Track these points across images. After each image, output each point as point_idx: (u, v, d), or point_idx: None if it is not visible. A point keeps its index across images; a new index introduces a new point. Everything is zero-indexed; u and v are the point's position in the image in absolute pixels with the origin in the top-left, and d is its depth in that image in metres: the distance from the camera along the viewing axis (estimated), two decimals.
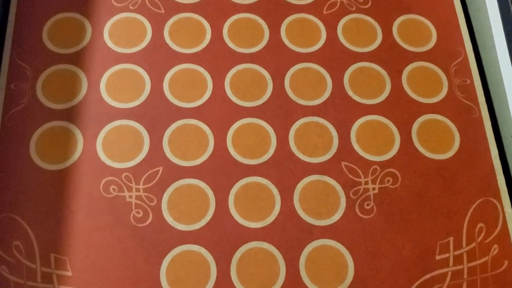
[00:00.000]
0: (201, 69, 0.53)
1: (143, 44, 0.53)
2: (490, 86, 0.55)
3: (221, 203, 0.47)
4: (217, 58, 0.53)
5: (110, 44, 0.53)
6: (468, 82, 0.55)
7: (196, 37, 0.54)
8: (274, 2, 0.56)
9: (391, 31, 0.56)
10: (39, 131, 0.49)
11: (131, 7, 0.54)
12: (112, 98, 0.51)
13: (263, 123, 0.51)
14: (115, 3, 0.55)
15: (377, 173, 0.50)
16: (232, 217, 0.47)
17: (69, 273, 0.44)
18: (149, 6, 0.55)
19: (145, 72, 0.52)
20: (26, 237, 0.45)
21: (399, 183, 0.49)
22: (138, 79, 0.52)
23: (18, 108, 0.49)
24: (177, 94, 0.51)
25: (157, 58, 0.53)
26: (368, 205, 0.49)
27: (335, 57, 0.54)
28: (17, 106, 0.50)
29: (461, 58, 0.56)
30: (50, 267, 0.44)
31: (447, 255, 0.47)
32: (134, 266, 0.45)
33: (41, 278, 0.44)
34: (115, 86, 0.51)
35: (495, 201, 0.49)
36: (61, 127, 0.49)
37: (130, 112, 0.50)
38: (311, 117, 0.52)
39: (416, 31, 0.57)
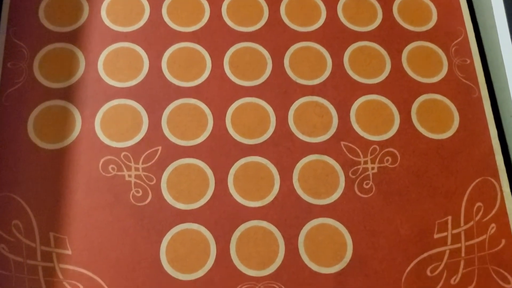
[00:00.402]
0: (199, 48, 0.52)
1: (141, 23, 0.53)
2: (490, 66, 0.55)
3: (220, 182, 0.48)
4: (216, 37, 0.53)
5: (107, 22, 0.52)
6: (468, 62, 0.54)
7: (194, 15, 0.54)
8: None
9: (391, 10, 0.56)
10: (36, 110, 0.48)
11: None
12: (110, 77, 0.50)
13: (262, 102, 0.51)
14: None
15: (376, 153, 0.50)
16: (232, 196, 0.47)
17: (69, 252, 0.44)
18: None
19: (143, 51, 0.52)
20: (25, 216, 0.45)
21: (398, 163, 0.50)
22: (136, 58, 0.51)
23: (15, 87, 0.49)
24: (175, 73, 0.51)
25: (155, 37, 0.52)
26: (367, 184, 0.49)
27: (335, 36, 0.54)
28: (14, 85, 0.49)
29: (461, 37, 0.55)
30: (49, 245, 0.44)
31: (445, 234, 0.47)
32: (134, 245, 0.45)
33: (40, 257, 0.44)
34: (113, 65, 0.51)
35: (493, 180, 0.50)
36: (59, 106, 0.49)
37: (128, 91, 0.50)
38: (310, 96, 0.51)
39: (416, 10, 0.56)
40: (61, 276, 0.44)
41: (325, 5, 0.55)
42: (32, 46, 0.51)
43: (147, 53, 0.52)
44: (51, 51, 0.51)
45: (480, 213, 0.48)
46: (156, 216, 0.46)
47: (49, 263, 0.44)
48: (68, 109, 0.49)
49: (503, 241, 0.48)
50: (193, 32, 0.53)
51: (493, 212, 0.49)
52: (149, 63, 0.51)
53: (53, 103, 0.49)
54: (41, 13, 0.52)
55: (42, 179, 0.46)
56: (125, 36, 0.52)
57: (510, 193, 0.49)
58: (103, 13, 0.53)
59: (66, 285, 0.43)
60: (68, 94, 0.49)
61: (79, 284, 0.43)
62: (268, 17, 0.54)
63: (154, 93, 0.50)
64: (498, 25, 0.53)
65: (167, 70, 0.51)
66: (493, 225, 0.48)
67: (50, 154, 0.47)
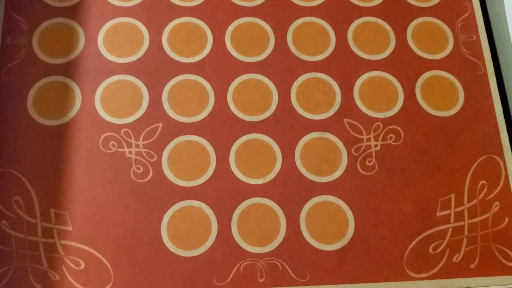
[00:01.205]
0: (200, 23, 0.51)
1: None
2: (497, 43, 0.54)
3: (222, 159, 0.47)
4: (217, 12, 0.52)
5: None
6: (474, 38, 0.53)
7: None
8: None
9: None
10: (36, 86, 0.48)
11: None
12: (110, 53, 0.50)
13: (264, 79, 0.50)
14: None
15: (379, 130, 0.49)
16: (233, 173, 0.47)
17: (70, 228, 0.44)
18: None
19: (143, 26, 0.51)
20: (25, 192, 0.45)
21: (401, 140, 0.49)
22: (137, 33, 0.50)
23: (15, 63, 0.48)
24: (176, 48, 0.50)
25: (156, 11, 0.51)
26: (369, 162, 0.48)
27: (339, 11, 0.53)
28: (13, 60, 0.49)
29: (467, 13, 0.54)
30: (50, 222, 0.44)
31: (448, 211, 0.47)
32: (135, 221, 0.45)
33: (41, 233, 0.44)
34: (113, 40, 0.50)
35: (497, 158, 0.49)
36: (58, 82, 0.48)
37: (128, 67, 0.49)
38: (313, 73, 0.51)
39: None
40: (62, 252, 0.44)
41: None
42: (31, 21, 0.50)
43: (147, 28, 0.51)
44: (50, 26, 0.50)
45: (484, 191, 0.48)
46: (157, 193, 0.45)
47: (50, 239, 0.44)
48: (68, 85, 0.48)
49: (507, 219, 0.47)
50: (194, 6, 0.52)
51: (497, 190, 0.48)
52: (150, 39, 0.50)
53: (52, 79, 0.48)
54: None
55: (43, 155, 0.46)
56: (125, 11, 0.51)
57: None
58: None
59: (67, 261, 0.43)
60: (67, 69, 0.49)
61: (80, 260, 0.43)
62: None
63: (155, 68, 0.49)
64: (505, 0, 0.52)
65: (167, 45, 0.50)
66: (496, 203, 0.48)
67: (50, 130, 0.47)
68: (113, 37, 0.50)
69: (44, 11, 0.51)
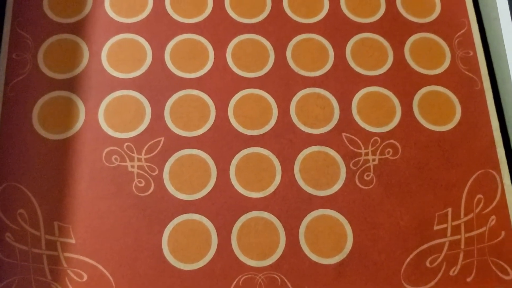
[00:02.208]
0: (202, 39, 0.52)
1: (144, 14, 0.53)
2: (493, 58, 0.55)
3: (222, 173, 0.48)
4: (219, 29, 0.53)
5: (111, 13, 0.53)
6: (471, 54, 0.54)
7: (197, 6, 0.54)
8: None
9: (394, 1, 0.56)
10: (41, 101, 0.49)
11: None
12: (114, 68, 0.51)
13: (264, 94, 0.51)
14: None
15: (377, 145, 0.50)
16: (233, 187, 0.48)
17: (73, 241, 0.45)
18: None
19: (146, 42, 0.52)
20: (30, 205, 0.46)
21: (399, 155, 0.50)
22: (140, 49, 0.51)
23: (20, 78, 0.50)
24: (178, 64, 0.51)
25: (159, 28, 0.52)
26: (368, 176, 0.49)
27: (337, 28, 0.54)
28: (19, 76, 0.50)
29: (464, 29, 0.55)
30: (54, 234, 0.45)
31: (445, 225, 0.48)
32: (136, 234, 0.45)
33: (45, 246, 0.45)
34: (116, 56, 0.51)
35: (494, 173, 0.50)
36: (63, 97, 0.49)
37: (131, 82, 0.50)
38: (312, 88, 0.52)
39: (419, 1, 0.56)
40: (65, 265, 0.44)
41: None
42: (36, 37, 0.51)
43: (150, 45, 0.52)
44: (55, 42, 0.51)
45: (481, 205, 0.49)
46: (158, 207, 0.46)
47: (54, 251, 0.45)
48: (72, 100, 0.49)
49: (503, 233, 0.48)
50: (196, 23, 0.53)
51: (494, 204, 0.49)
52: (152, 54, 0.51)
53: (57, 93, 0.49)
54: (45, 4, 0.52)
55: (47, 169, 0.47)
56: (128, 28, 0.52)
57: (510, 185, 0.49)
58: (107, 4, 0.53)
59: (70, 273, 0.44)
60: (72, 85, 0.50)
61: (82, 273, 0.44)
62: (271, 8, 0.54)
63: (157, 84, 0.50)
64: (501, 17, 0.53)
65: (170, 61, 0.51)
66: (493, 217, 0.48)
67: (55, 144, 0.48)
68: (116, 53, 0.51)
69: (49, 27, 0.52)
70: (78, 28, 0.52)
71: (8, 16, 0.51)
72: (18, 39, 0.51)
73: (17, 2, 0.52)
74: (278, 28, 0.54)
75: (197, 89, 0.51)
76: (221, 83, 0.51)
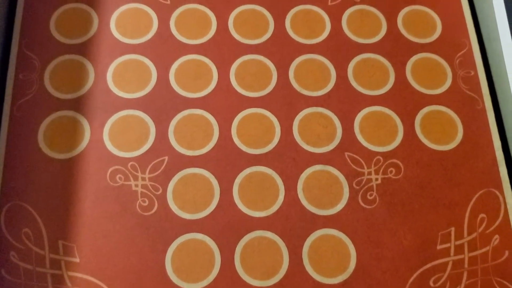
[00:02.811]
0: (206, 60, 0.53)
1: (150, 35, 0.54)
2: (494, 78, 0.55)
3: (226, 192, 0.48)
4: (223, 49, 0.54)
5: (116, 35, 0.53)
6: (472, 73, 0.55)
7: (201, 28, 0.54)
8: None
9: (395, 22, 0.56)
10: (47, 120, 0.50)
11: None
12: (119, 89, 0.51)
13: (267, 113, 0.52)
14: None
15: (380, 164, 0.50)
16: (236, 206, 0.48)
17: (77, 260, 0.45)
18: None
19: (151, 63, 0.53)
20: (35, 224, 0.46)
21: (401, 174, 0.50)
22: (145, 69, 0.52)
23: (27, 98, 0.50)
24: (182, 84, 0.52)
25: (163, 49, 0.53)
26: (371, 195, 0.49)
27: (339, 49, 0.55)
28: (25, 96, 0.50)
29: (465, 49, 0.56)
30: (58, 253, 0.45)
31: (448, 245, 0.48)
32: (140, 254, 0.46)
33: (49, 265, 0.45)
34: (121, 76, 0.52)
35: (497, 192, 0.50)
36: (68, 117, 0.50)
37: (136, 102, 0.51)
38: (315, 107, 0.52)
39: (421, 22, 0.57)
40: (69, 284, 0.45)
41: (329, 17, 0.56)
42: (43, 58, 0.52)
43: (155, 65, 0.53)
44: (61, 62, 0.52)
45: (484, 225, 0.49)
46: (162, 226, 0.47)
47: (58, 270, 0.45)
48: (78, 120, 0.50)
49: (507, 252, 0.48)
50: (200, 44, 0.54)
51: (497, 223, 0.49)
52: (157, 75, 0.52)
53: (63, 113, 0.50)
54: (52, 26, 0.53)
55: (52, 188, 0.47)
56: (133, 48, 0.53)
57: None
58: (113, 26, 0.54)
59: None
60: (77, 104, 0.50)
61: None
62: (274, 30, 0.55)
63: (162, 104, 0.51)
64: (501, 37, 0.53)
65: (174, 81, 0.52)
66: (496, 236, 0.48)
67: (60, 164, 0.48)
68: (122, 74, 0.52)
69: (56, 48, 0.52)
70: (84, 49, 0.53)
71: (15, 37, 0.52)
72: (25, 59, 0.52)
73: (25, 24, 0.53)
74: (281, 48, 0.54)
75: (201, 108, 0.51)
76: (224, 103, 0.52)
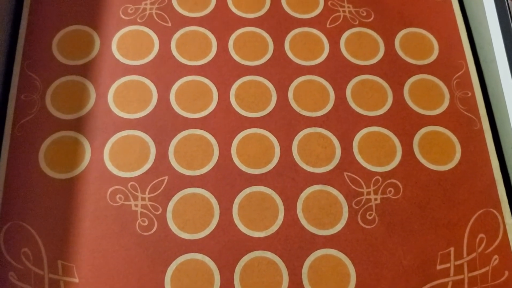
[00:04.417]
0: (207, 81, 0.54)
1: (151, 56, 0.54)
2: (491, 99, 0.56)
3: (225, 212, 0.48)
4: (223, 70, 0.54)
5: (118, 56, 0.54)
6: (469, 94, 0.55)
7: (202, 49, 0.55)
8: (278, 16, 0.57)
9: (393, 44, 0.57)
10: (48, 140, 0.50)
11: (138, 20, 0.56)
12: (120, 109, 0.52)
13: (267, 133, 0.52)
14: (123, 16, 0.56)
15: (379, 184, 0.50)
16: (236, 226, 0.48)
17: (76, 280, 0.45)
18: (157, 19, 0.56)
19: (152, 84, 0.53)
20: (34, 244, 0.46)
21: (400, 194, 0.50)
22: (145, 90, 0.53)
23: (28, 118, 0.51)
24: (183, 105, 0.53)
25: (164, 70, 0.54)
26: (370, 215, 0.49)
27: (338, 70, 0.55)
28: (27, 116, 0.51)
29: (462, 71, 0.57)
30: (57, 273, 0.45)
31: (447, 265, 0.48)
32: (140, 274, 0.45)
33: (48, 285, 0.45)
34: (122, 97, 0.52)
35: (495, 212, 0.50)
36: (69, 137, 0.50)
37: (137, 122, 0.51)
38: (314, 128, 0.53)
39: (418, 44, 0.58)
40: None
41: (328, 39, 0.57)
42: (45, 79, 0.52)
43: (156, 86, 0.53)
44: (63, 83, 0.52)
45: (483, 245, 0.49)
46: (161, 246, 0.47)
47: None
48: (78, 140, 0.50)
49: (506, 272, 0.48)
50: (200, 65, 0.55)
51: (496, 243, 0.49)
52: (158, 95, 0.53)
53: (64, 133, 0.50)
54: (54, 47, 0.54)
55: (52, 208, 0.47)
56: (134, 69, 0.54)
57: None
58: (114, 47, 0.54)
59: None
60: (78, 125, 0.51)
61: None
62: (273, 51, 0.56)
63: (162, 124, 0.51)
64: (498, 59, 0.54)
65: (175, 102, 0.53)
66: (496, 256, 0.48)
67: (60, 184, 0.48)
68: (123, 94, 0.52)
69: (58, 69, 0.53)
70: (85, 70, 0.53)
71: (18, 58, 0.53)
72: (27, 80, 0.52)
73: (27, 45, 0.54)
74: (280, 70, 0.55)
75: (201, 128, 0.52)
76: (224, 123, 0.52)
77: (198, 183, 0.49)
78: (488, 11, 0.56)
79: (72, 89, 0.52)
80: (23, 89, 0.52)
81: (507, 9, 0.55)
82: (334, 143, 0.52)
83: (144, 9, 0.56)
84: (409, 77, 0.56)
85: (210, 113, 0.52)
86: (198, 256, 0.46)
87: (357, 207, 0.49)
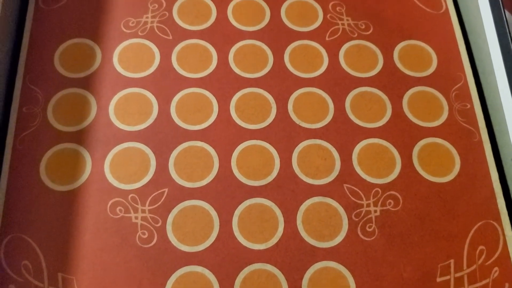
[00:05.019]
0: (207, 93, 0.54)
1: (152, 69, 0.55)
2: (490, 111, 0.56)
3: (225, 224, 0.48)
4: (223, 83, 0.55)
5: (119, 69, 0.55)
6: (468, 106, 0.56)
7: (203, 62, 0.56)
8: (278, 29, 0.58)
9: (392, 56, 0.58)
10: (49, 153, 0.50)
11: (140, 33, 0.56)
12: (121, 121, 0.52)
13: (267, 145, 0.52)
14: (124, 29, 0.56)
15: (378, 196, 0.51)
16: (236, 238, 0.48)
17: None
18: (158, 32, 0.57)
19: (153, 96, 0.53)
20: (34, 256, 0.46)
21: (400, 206, 0.50)
22: (146, 102, 0.53)
23: (30, 131, 0.51)
24: (183, 117, 0.53)
25: (165, 83, 0.54)
26: (370, 227, 0.49)
27: (337, 82, 0.56)
28: (28, 129, 0.51)
29: (461, 83, 0.57)
30: (57, 286, 0.45)
31: (448, 277, 0.48)
32: (139, 286, 0.45)
33: None
34: (123, 109, 0.53)
35: (495, 224, 0.50)
36: (70, 149, 0.51)
37: (137, 134, 0.52)
38: (313, 139, 0.53)
39: (417, 56, 0.58)
40: None
41: (327, 52, 0.57)
42: (46, 91, 0.53)
43: (156, 98, 0.53)
44: (64, 96, 0.53)
45: (483, 257, 0.49)
46: (161, 258, 0.47)
47: None
48: (79, 152, 0.50)
49: (507, 285, 0.48)
50: (201, 78, 0.55)
51: (496, 255, 0.49)
52: (158, 108, 0.53)
53: (65, 146, 0.51)
54: (56, 60, 0.54)
55: (53, 220, 0.47)
56: (135, 82, 0.54)
57: None
58: (115, 60, 0.55)
59: None
60: (79, 137, 0.51)
61: None
62: (273, 64, 0.56)
63: (163, 136, 0.52)
64: (496, 71, 0.54)
65: (175, 114, 0.53)
66: (496, 268, 0.48)
67: (61, 196, 0.49)
68: (124, 107, 0.53)
69: (59, 82, 0.53)
70: (87, 83, 0.54)
71: (20, 72, 0.53)
72: (29, 93, 0.53)
73: (30, 58, 0.54)
74: (280, 82, 0.55)
75: (201, 140, 0.52)
76: (224, 135, 0.52)
77: (198, 195, 0.49)
78: (486, 24, 0.56)
79: (74, 101, 0.53)
80: (25, 102, 0.52)
81: (505, 22, 0.55)
82: (334, 154, 0.52)
83: (145, 22, 0.57)
84: (408, 89, 0.56)
85: (210, 125, 0.53)
86: (198, 268, 0.46)
87: (357, 219, 0.50)
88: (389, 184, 0.51)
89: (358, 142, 0.53)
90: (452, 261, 0.48)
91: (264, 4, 0.59)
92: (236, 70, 0.56)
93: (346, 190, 0.51)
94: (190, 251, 0.47)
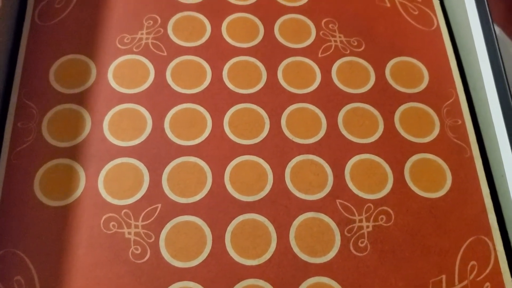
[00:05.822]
0: (201, 109, 0.55)
1: (146, 85, 0.55)
2: (481, 127, 0.57)
3: (218, 240, 0.49)
4: (217, 99, 0.55)
5: (113, 84, 0.55)
6: (460, 122, 0.56)
7: (197, 78, 0.56)
8: (271, 46, 0.59)
9: (384, 73, 0.58)
10: (43, 168, 0.50)
11: (134, 50, 0.57)
12: (115, 137, 0.52)
13: (260, 160, 0.53)
14: (119, 46, 0.57)
15: (371, 211, 0.51)
16: (229, 254, 0.48)
17: None
18: (152, 49, 0.57)
19: (147, 112, 0.54)
20: (27, 272, 0.46)
21: (392, 221, 0.51)
22: (140, 118, 0.54)
23: (24, 146, 0.51)
24: (177, 132, 0.53)
25: (159, 98, 0.55)
26: (362, 242, 0.50)
27: (329, 98, 0.56)
28: (23, 144, 0.51)
29: (452, 99, 0.58)
30: None
31: None
32: None
33: None
34: (117, 125, 0.53)
35: (486, 239, 0.50)
36: (64, 165, 0.51)
37: (131, 150, 0.52)
38: (306, 155, 0.53)
39: (408, 73, 0.59)
40: None
41: (320, 68, 0.58)
42: (41, 107, 0.53)
43: (150, 114, 0.54)
44: (59, 111, 0.53)
45: (474, 272, 0.49)
46: (154, 274, 0.47)
47: None
48: (73, 167, 0.51)
49: None
50: (195, 94, 0.55)
51: (487, 271, 0.49)
52: (152, 123, 0.53)
53: (59, 161, 0.51)
54: (51, 76, 0.55)
55: (46, 235, 0.48)
56: (130, 98, 0.54)
57: (503, 252, 0.50)
58: (110, 76, 0.55)
59: None
60: (74, 152, 0.51)
61: None
62: (266, 80, 0.57)
63: (156, 151, 0.52)
64: (486, 87, 0.55)
65: (169, 129, 0.53)
66: (487, 284, 0.48)
67: (54, 211, 0.49)
68: (118, 122, 0.53)
69: (54, 97, 0.54)
70: (82, 98, 0.54)
71: (15, 87, 0.54)
72: (24, 108, 0.53)
73: (25, 74, 0.54)
74: (273, 98, 0.56)
75: (195, 156, 0.52)
76: (218, 150, 0.53)
77: (191, 211, 0.50)
78: (477, 41, 0.57)
79: (68, 117, 0.53)
80: (20, 117, 0.52)
81: (495, 39, 0.56)
82: (326, 170, 0.53)
83: (140, 39, 0.57)
84: (399, 105, 0.57)
85: (203, 141, 0.53)
86: (191, 284, 0.47)
87: (349, 235, 0.50)
88: (381, 200, 0.51)
89: (351, 158, 0.53)
90: (443, 276, 0.48)
91: (258, 21, 0.60)
92: (230, 86, 0.56)
93: (338, 205, 0.51)
94: (183, 267, 0.47)
